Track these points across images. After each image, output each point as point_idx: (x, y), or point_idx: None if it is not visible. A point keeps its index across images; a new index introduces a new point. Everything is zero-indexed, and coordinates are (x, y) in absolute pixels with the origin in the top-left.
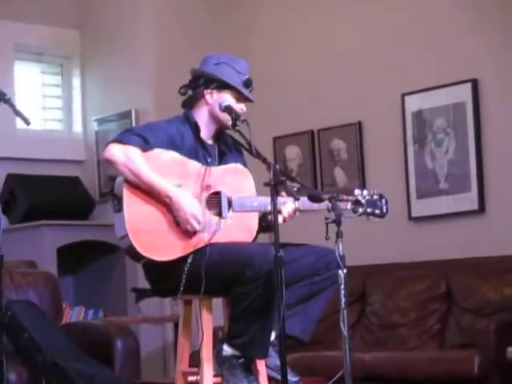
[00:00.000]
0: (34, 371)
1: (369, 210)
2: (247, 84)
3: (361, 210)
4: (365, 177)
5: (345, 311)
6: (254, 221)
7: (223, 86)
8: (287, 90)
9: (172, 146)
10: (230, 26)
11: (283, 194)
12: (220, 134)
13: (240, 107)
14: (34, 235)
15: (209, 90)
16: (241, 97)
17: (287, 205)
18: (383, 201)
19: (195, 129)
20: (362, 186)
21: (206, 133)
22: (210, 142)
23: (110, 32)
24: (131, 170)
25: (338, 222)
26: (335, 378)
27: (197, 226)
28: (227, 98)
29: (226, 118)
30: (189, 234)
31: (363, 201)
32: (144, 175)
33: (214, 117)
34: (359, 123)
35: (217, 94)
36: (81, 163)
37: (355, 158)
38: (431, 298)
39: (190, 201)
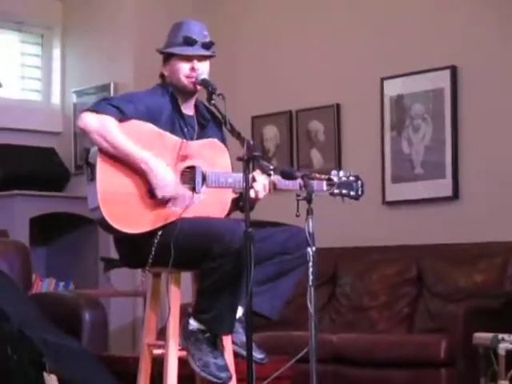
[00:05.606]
0: (0, 340)
1: (344, 191)
2: (187, 41)
3: (336, 190)
4: (341, 159)
5: (312, 289)
6: (227, 197)
7: (166, 56)
8: (268, 70)
9: (150, 118)
10: (213, 1)
11: (258, 171)
12: (196, 105)
13: (191, 66)
14: (7, 204)
15: (163, 66)
16: (186, 57)
17: (258, 181)
18: (359, 182)
19: (173, 99)
20: (338, 168)
21: (184, 103)
22: (189, 113)
23: (92, 4)
24: (105, 138)
25: (308, 199)
26: (299, 355)
27: (172, 193)
28: (175, 65)
29: (183, 83)
30: (161, 206)
31: (335, 179)
32: (119, 142)
33: (177, 86)
34: (338, 105)
35: (168, 66)
36: (57, 135)
37: (332, 140)
38: (402, 281)
39: (166, 169)
